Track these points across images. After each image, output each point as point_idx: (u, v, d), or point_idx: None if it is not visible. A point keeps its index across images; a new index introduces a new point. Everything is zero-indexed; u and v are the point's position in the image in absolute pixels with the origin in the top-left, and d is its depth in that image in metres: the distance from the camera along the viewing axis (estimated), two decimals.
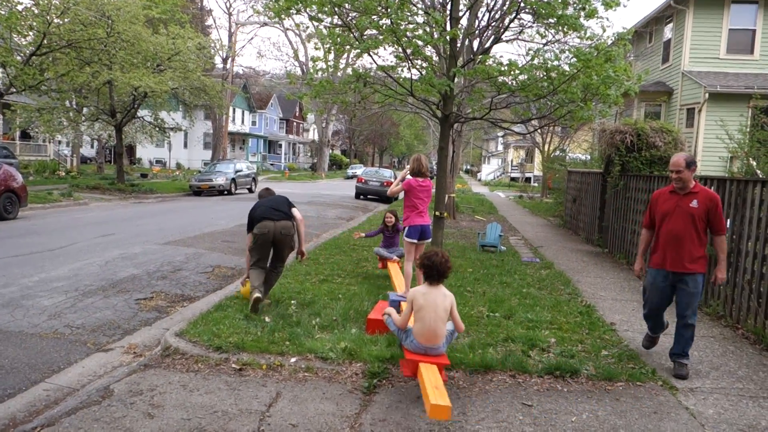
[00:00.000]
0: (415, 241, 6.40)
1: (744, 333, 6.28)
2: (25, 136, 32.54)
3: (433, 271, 4.37)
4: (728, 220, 6.95)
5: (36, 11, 19.26)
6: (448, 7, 10.35)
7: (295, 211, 6.41)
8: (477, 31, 11.74)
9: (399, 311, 4.97)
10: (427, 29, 10.17)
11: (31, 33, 19.87)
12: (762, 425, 4.12)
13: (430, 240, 6.23)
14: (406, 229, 6.55)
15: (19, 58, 20.33)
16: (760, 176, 10.50)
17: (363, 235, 9.25)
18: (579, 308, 7.06)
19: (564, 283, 8.53)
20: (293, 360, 4.93)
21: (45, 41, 19.27)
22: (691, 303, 5.08)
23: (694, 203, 5.02)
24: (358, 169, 45.14)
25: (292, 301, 6.67)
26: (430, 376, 4.04)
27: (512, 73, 9.51)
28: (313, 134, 73.79)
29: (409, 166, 6.85)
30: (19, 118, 24.19)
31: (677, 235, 5.06)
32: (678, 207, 5.09)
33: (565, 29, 10.06)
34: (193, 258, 9.93)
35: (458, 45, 10.80)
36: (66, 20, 19.90)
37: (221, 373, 4.68)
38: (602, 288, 8.52)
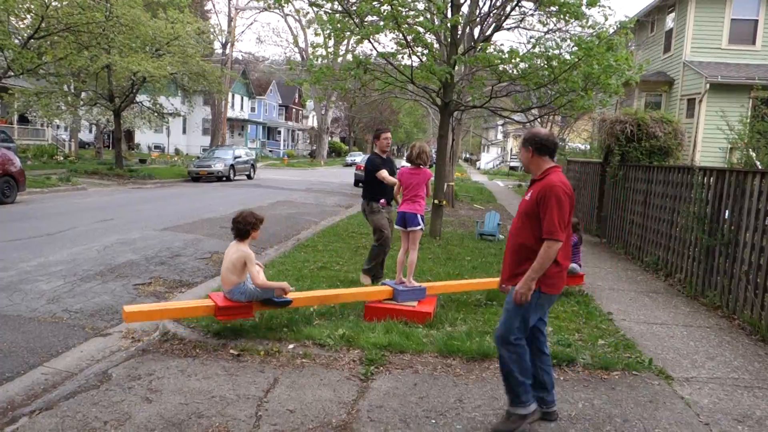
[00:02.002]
0: (401, 228, 6.34)
1: (740, 324, 6.31)
2: (23, 120, 32.41)
3: (233, 230, 5.13)
4: (726, 211, 6.96)
5: None
6: None
7: None
8: (478, 19, 11.67)
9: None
10: (428, 16, 10.11)
11: (28, 16, 19.71)
12: (757, 415, 4.15)
13: (417, 228, 6.14)
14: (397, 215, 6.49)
15: (17, 41, 20.18)
16: (760, 167, 10.50)
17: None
18: (576, 297, 7.07)
19: None
20: (291, 346, 4.94)
21: (43, 24, 19.11)
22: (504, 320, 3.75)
23: (528, 195, 3.79)
24: (357, 157, 45.00)
25: (291, 288, 6.67)
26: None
27: (513, 61, 9.48)
28: (312, 121, 73.59)
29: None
30: (17, 102, 24.12)
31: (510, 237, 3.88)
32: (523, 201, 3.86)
33: (566, 17, 10.03)
34: (191, 244, 9.93)
35: (459, 32, 10.74)
36: (64, 3, 19.76)
37: (219, 359, 4.70)
38: (600, 278, 8.53)
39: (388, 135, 7.37)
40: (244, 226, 5.09)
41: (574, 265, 6.84)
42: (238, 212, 5.27)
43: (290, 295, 5.28)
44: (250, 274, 5.06)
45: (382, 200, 7.09)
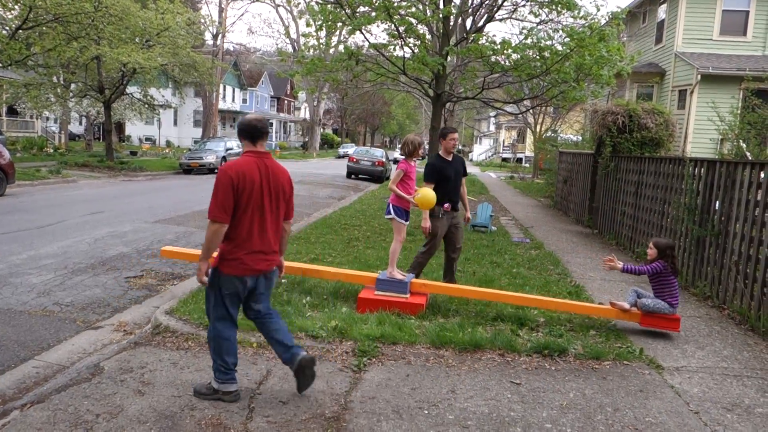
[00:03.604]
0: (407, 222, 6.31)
1: (730, 313, 6.36)
2: (11, 112, 32.11)
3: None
4: (717, 202, 7.00)
5: None
6: None
7: None
8: (470, 10, 11.64)
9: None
10: (420, 7, 10.08)
11: (16, 6, 19.49)
12: (745, 403, 4.19)
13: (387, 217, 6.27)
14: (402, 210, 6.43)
15: (4, 32, 19.97)
16: (750, 158, 10.56)
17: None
18: (568, 288, 7.11)
19: (553, 264, 8.58)
20: None
21: (31, 15, 18.90)
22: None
23: None
24: (350, 149, 44.94)
25: (283, 280, 6.67)
26: None
27: (505, 52, 9.47)
28: (304, 113, 73.32)
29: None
30: (5, 94, 23.88)
31: None
32: None
33: (558, 8, 10.02)
34: (183, 236, 9.90)
35: (451, 23, 10.72)
36: None
37: None
38: (591, 268, 8.58)
39: (455, 136, 6.62)
40: None
41: (661, 305, 5.50)
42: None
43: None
44: None
45: (447, 204, 6.45)
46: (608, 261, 5.76)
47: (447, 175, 6.52)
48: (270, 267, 3.94)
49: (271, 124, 66.68)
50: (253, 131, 3.88)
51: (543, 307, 5.87)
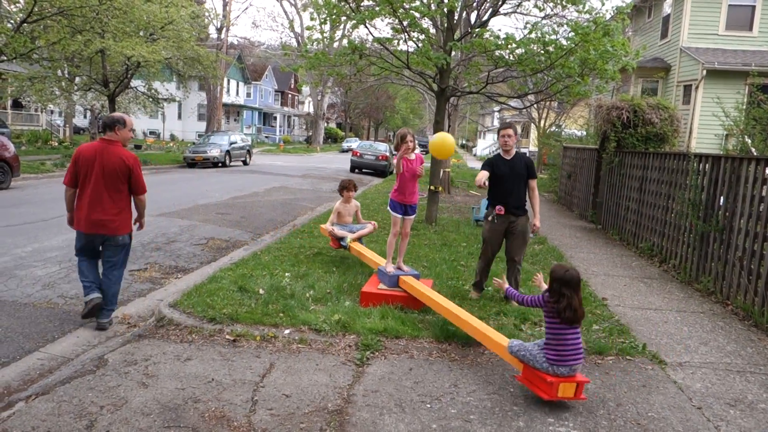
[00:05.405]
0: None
1: (733, 309, 6.35)
2: (16, 105, 32.17)
3: None
4: (722, 198, 6.98)
5: None
6: None
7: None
8: (475, 4, 11.59)
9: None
10: (424, 1, 10.04)
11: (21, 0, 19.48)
12: (748, 399, 4.19)
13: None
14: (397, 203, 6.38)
15: (9, 25, 19.97)
16: (755, 154, 10.52)
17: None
18: None
19: (557, 258, 8.57)
20: (287, 332, 4.96)
21: (36, 8, 18.88)
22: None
23: None
24: (354, 143, 44.85)
25: (286, 274, 6.69)
26: None
27: (509, 46, 9.43)
28: (308, 107, 73.25)
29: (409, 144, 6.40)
30: (10, 87, 23.90)
31: None
32: None
33: (563, 2, 9.97)
34: (187, 230, 9.92)
35: (455, 17, 10.68)
36: None
37: (215, 344, 4.71)
38: (594, 263, 8.57)
39: (507, 132, 6.03)
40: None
41: (535, 356, 3.97)
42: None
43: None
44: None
45: (499, 206, 6.01)
46: (495, 280, 5.01)
47: (500, 174, 6.02)
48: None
49: (275, 118, 66.70)
50: (107, 122, 5.24)
51: (458, 325, 4.92)
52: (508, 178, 6.01)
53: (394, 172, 6.21)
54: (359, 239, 7.60)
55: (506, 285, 4.84)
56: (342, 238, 7.52)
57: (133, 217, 5.38)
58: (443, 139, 5.75)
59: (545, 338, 3.98)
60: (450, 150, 5.67)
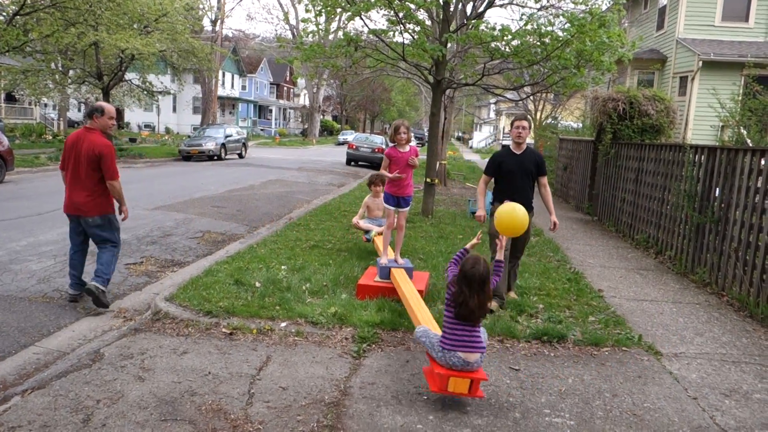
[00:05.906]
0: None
1: (729, 300, 6.38)
2: (10, 98, 31.97)
3: None
4: (717, 189, 6.99)
5: None
6: None
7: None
8: None
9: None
10: None
11: None
12: (744, 389, 4.21)
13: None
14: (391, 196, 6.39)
15: (1, 17, 19.82)
16: (750, 145, 10.54)
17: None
18: (567, 275, 7.12)
19: (553, 250, 8.58)
20: (283, 324, 4.96)
21: (28, 1, 18.75)
22: None
23: None
24: (350, 135, 44.74)
25: (283, 267, 6.68)
26: None
27: (505, 38, 9.40)
28: (304, 99, 72.99)
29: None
30: (3, 80, 23.73)
31: None
32: None
33: None
34: (182, 223, 9.89)
35: (451, 9, 10.64)
36: None
37: (211, 338, 4.71)
38: (591, 255, 8.59)
39: (520, 123, 5.78)
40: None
41: (431, 340, 3.89)
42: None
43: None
44: None
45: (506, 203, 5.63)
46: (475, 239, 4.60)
47: (508, 170, 5.79)
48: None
49: (270, 111, 66.47)
50: (88, 111, 5.61)
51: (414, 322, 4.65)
52: (516, 174, 5.79)
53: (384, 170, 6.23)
54: None
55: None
56: (367, 231, 7.59)
57: (116, 206, 5.82)
58: (499, 212, 4.69)
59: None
60: (503, 222, 4.59)
